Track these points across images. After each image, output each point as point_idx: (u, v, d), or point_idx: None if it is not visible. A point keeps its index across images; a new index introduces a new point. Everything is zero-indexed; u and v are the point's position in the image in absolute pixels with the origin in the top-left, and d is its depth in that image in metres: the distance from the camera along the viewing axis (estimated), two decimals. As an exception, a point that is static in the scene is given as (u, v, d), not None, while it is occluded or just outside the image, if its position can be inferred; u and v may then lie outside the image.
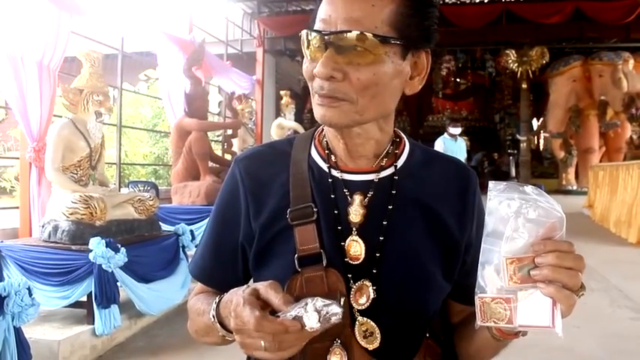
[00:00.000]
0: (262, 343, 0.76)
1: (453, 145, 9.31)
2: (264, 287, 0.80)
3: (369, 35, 0.87)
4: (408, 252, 0.97)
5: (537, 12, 13.23)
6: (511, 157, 17.73)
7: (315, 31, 0.90)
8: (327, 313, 0.75)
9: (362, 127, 0.97)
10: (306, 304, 0.76)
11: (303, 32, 0.93)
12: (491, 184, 0.81)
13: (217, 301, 0.91)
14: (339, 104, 0.91)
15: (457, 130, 9.60)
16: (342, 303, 0.78)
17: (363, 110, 0.92)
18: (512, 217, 0.77)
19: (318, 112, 0.93)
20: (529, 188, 0.78)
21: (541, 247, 0.75)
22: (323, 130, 1.07)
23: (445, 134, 9.59)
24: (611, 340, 4.03)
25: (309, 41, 0.91)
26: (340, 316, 0.76)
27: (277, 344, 0.77)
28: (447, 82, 17.95)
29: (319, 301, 0.76)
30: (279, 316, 0.77)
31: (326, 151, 1.04)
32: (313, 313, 0.75)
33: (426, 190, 1.02)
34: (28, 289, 2.84)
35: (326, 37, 0.88)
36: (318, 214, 0.97)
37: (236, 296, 0.82)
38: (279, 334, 0.76)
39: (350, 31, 0.86)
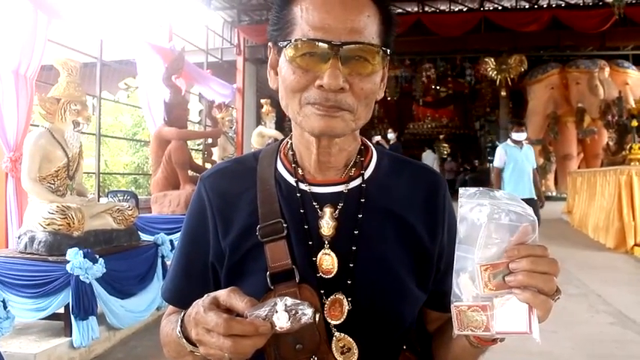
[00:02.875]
0: (228, 344, 0.74)
1: (517, 153, 7.03)
2: (225, 293, 0.79)
3: (378, 47, 0.88)
4: (381, 261, 0.96)
5: (515, 20, 13.48)
6: (491, 164, 17.84)
7: (324, 41, 0.86)
8: (297, 312, 0.74)
9: (344, 137, 0.96)
10: (275, 303, 0.75)
11: (296, 41, 0.88)
12: (461, 190, 0.80)
13: (182, 316, 0.88)
14: (342, 113, 0.90)
15: (522, 136, 7.20)
16: (317, 319, 0.77)
17: (359, 118, 0.93)
18: (484, 223, 0.76)
19: (316, 122, 0.90)
20: (499, 193, 0.78)
21: (515, 252, 0.75)
22: (288, 143, 1.06)
23: (508, 140, 7.34)
24: (589, 344, 4.06)
25: (303, 50, 0.88)
26: (311, 317, 0.75)
27: (241, 347, 0.75)
28: (428, 89, 18.12)
29: (289, 300, 0.75)
30: (247, 317, 0.75)
31: (293, 165, 1.03)
32: (283, 313, 0.74)
33: (395, 198, 1.01)
34: (3, 301, 2.79)
35: (342, 48, 0.86)
36: (288, 229, 0.96)
37: (196, 306, 0.81)
38: (249, 335, 0.74)
39: (371, 44, 0.88)
